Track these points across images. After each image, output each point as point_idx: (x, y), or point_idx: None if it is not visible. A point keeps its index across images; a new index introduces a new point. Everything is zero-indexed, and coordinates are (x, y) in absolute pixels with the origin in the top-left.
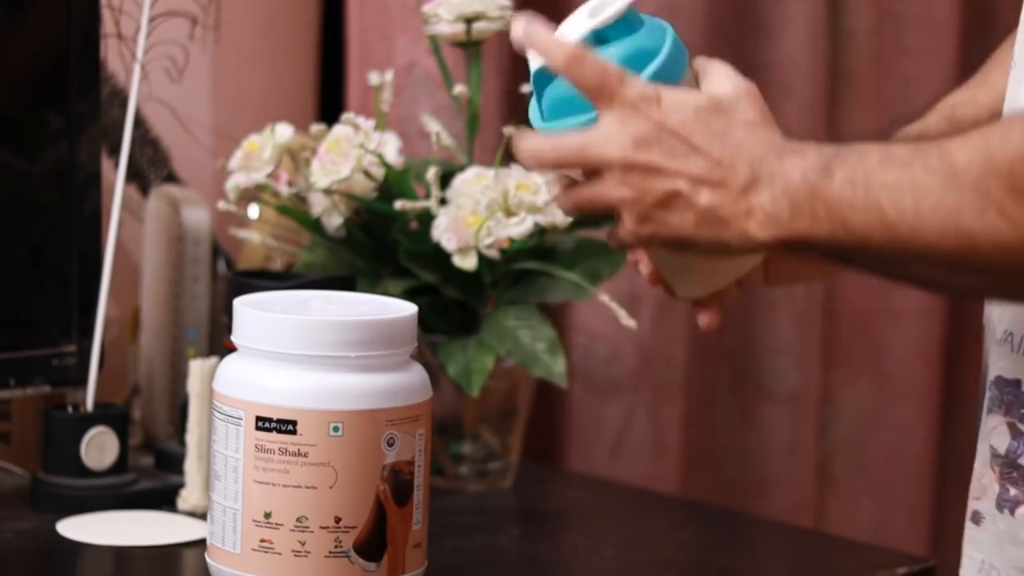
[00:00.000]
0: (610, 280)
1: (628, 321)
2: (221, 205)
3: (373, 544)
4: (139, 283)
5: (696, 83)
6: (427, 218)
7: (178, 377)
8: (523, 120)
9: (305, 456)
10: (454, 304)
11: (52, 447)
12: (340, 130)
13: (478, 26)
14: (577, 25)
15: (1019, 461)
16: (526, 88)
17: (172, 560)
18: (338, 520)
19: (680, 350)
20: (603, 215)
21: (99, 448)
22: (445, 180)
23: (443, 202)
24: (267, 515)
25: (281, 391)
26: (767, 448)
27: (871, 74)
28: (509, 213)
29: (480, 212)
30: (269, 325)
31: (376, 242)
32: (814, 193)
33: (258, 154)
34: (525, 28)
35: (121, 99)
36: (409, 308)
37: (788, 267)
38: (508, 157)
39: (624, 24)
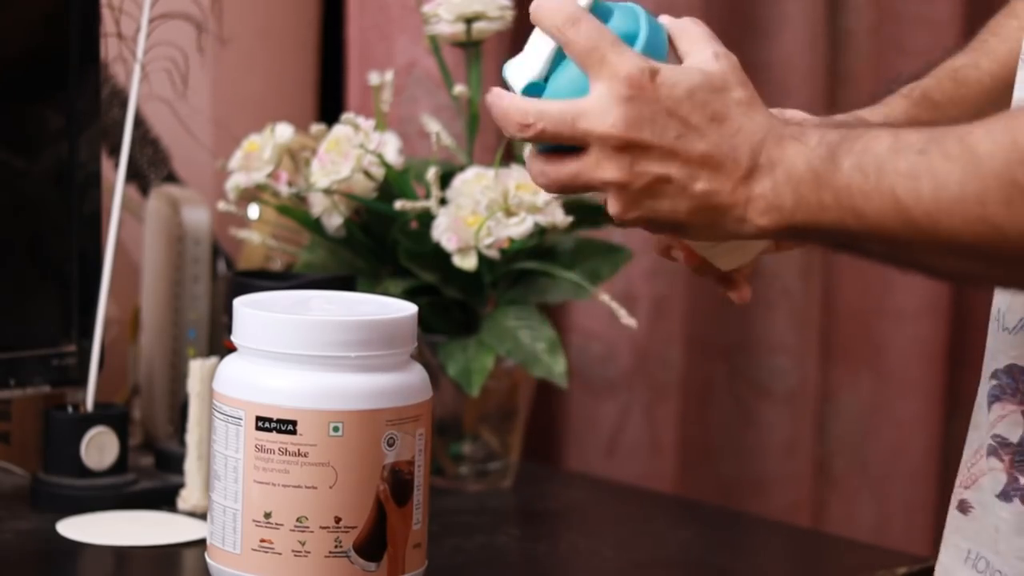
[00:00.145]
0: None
1: (629, 320)
2: (221, 205)
3: (373, 544)
4: (139, 283)
5: (677, 57)
6: (427, 218)
7: (178, 377)
8: None
9: (305, 456)
10: (454, 304)
11: (52, 447)
12: (340, 130)
13: (478, 26)
14: None
15: None
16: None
17: (172, 560)
18: (338, 520)
19: (676, 349)
20: (584, 193)
21: (99, 448)
22: (445, 180)
23: (443, 202)
24: (267, 515)
25: (281, 391)
26: (764, 447)
27: (871, 74)
28: (509, 213)
29: (480, 212)
30: (269, 325)
31: (376, 242)
32: (820, 182)
33: (258, 154)
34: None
35: (121, 99)
36: (409, 308)
37: None
38: (508, 157)
39: (598, 11)
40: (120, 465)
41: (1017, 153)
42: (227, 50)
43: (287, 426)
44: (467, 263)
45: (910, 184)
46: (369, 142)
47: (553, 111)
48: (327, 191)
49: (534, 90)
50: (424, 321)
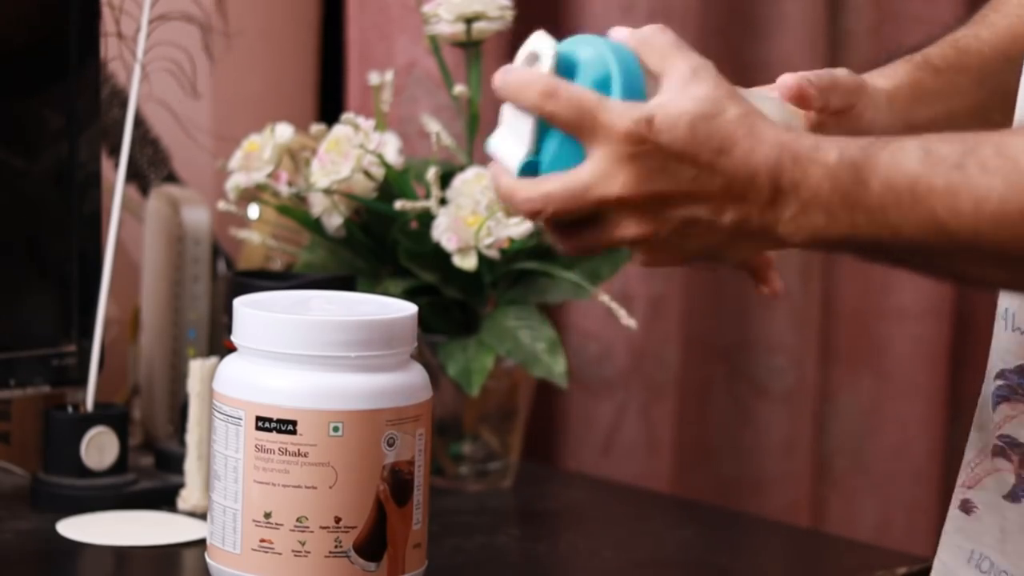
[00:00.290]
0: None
1: (628, 320)
2: (221, 205)
3: (373, 544)
4: (139, 283)
5: (654, 79)
6: (427, 218)
7: (178, 377)
8: None
9: (305, 456)
10: (454, 304)
11: (52, 447)
12: (340, 130)
13: (478, 26)
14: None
15: None
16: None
17: (172, 560)
18: (338, 520)
19: (673, 349)
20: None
21: (99, 448)
22: (445, 180)
23: (443, 202)
24: (267, 515)
25: (281, 391)
26: (762, 446)
27: None
28: (509, 213)
29: (480, 212)
30: (269, 325)
31: (376, 242)
32: (849, 202)
33: (258, 154)
34: (500, 78)
35: (121, 99)
36: (409, 308)
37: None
38: None
39: (564, 67)
40: (120, 465)
41: None
42: (227, 50)
43: (287, 426)
44: (467, 263)
45: (949, 201)
46: (369, 142)
47: (559, 191)
48: (327, 191)
49: (529, 168)
50: (424, 321)
